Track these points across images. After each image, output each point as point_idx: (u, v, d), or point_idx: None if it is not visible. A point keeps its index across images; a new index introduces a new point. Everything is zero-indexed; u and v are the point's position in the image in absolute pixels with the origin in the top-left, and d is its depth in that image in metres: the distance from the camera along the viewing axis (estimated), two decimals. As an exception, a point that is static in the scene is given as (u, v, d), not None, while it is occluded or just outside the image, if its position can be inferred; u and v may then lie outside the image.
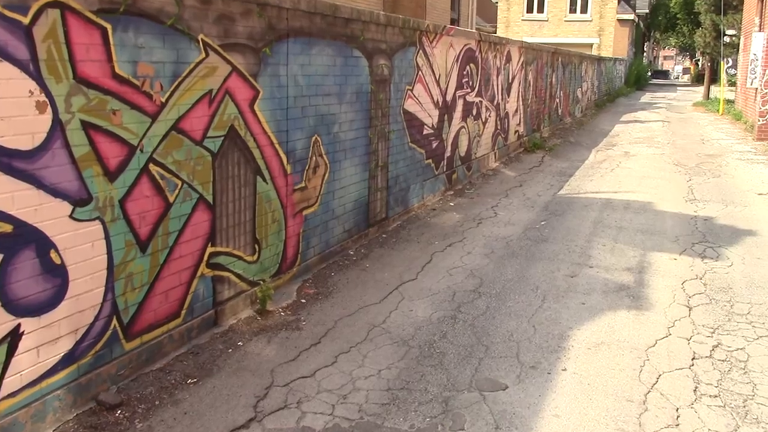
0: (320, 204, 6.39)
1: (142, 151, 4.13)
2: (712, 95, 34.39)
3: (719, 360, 4.71)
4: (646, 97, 39.27)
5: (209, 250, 4.86)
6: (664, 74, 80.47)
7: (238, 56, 4.99)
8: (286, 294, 5.73)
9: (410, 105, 8.42)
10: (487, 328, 5.17)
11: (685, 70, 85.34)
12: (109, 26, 3.82)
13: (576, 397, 4.17)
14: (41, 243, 3.52)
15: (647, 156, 14.87)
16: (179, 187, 4.48)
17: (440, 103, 9.54)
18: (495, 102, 12.64)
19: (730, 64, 32.97)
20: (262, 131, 5.35)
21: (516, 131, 14.70)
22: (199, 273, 4.77)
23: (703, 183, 11.60)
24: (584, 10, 41.08)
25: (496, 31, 39.03)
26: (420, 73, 8.64)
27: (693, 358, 4.73)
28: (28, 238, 3.44)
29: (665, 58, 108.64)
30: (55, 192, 3.57)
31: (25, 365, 3.49)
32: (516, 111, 14.48)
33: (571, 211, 9.28)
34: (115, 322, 4.06)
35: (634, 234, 8.05)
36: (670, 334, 5.13)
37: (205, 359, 4.52)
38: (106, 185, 3.90)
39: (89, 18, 3.69)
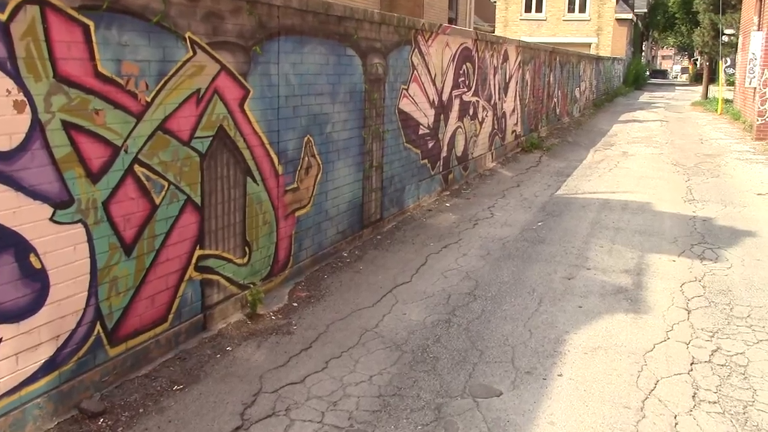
0: (313, 205, 6.28)
1: (126, 151, 4.03)
2: (710, 95, 34.28)
3: (718, 365, 4.61)
4: (644, 97, 39.19)
5: (198, 252, 4.75)
6: (663, 74, 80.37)
7: (228, 55, 4.88)
8: (277, 297, 5.62)
9: (405, 104, 8.32)
10: (482, 332, 5.07)
11: (684, 70, 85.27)
12: (91, 23, 3.72)
13: (572, 404, 4.07)
14: (20, 246, 3.41)
15: (645, 156, 14.77)
16: (166, 188, 4.38)
17: (436, 103, 9.44)
18: (492, 101, 12.54)
19: (729, 63, 32.93)
20: (252, 131, 5.24)
21: (513, 131, 14.60)
22: (187, 276, 4.66)
23: (702, 183, 11.50)
24: (582, 9, 41.00)
25: (494, 30, 38.94)
26: (415, 72, 8.53)
27: (692, 363, 4.63)
28: (6, 241, 3.33)
29: (664, 57, 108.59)
30: (35, 194, 3.46)
31: (3, 373, 3.38)
32: (513, 110, 14.38)
33: (568, 211, 9.18)
34: (98, 327, 3.95)
35: (632, 235, 7.95)
36: (668, 338, 5.03)
37: (192, 365, 4.42)
38: (89, 187, 3.79)
39: (70, 15, 3.58)
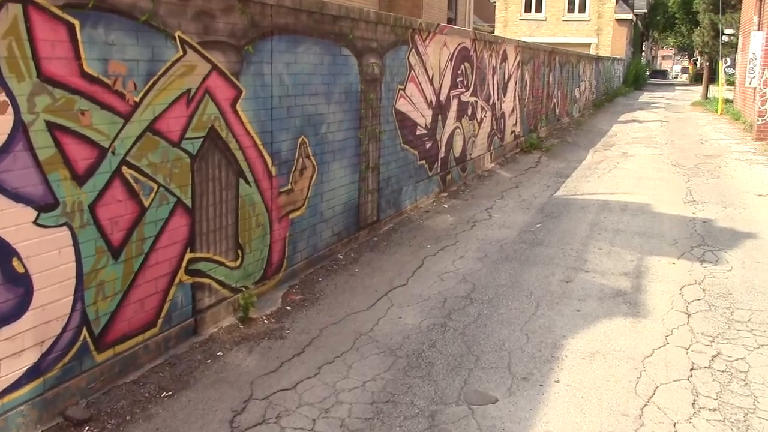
0: (308, 207, 6.19)
1: (113, 153, 3.94)
2: (710, 95, 34.20)
3: (719, 371, 4.52)
4: (644, 97, 39.10)
5: (188, 256, 4.66)
6: (663, 74, 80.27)
7: (219, 54, 4.79)
8: (270, 301, 5.53)
9: (402, 105, 8.23)
10: (478, 337, 4.98)
11: (684, 70, 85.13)
12: (77, 22, 3.63)
13: (569, 411, 3.98)
14: (2, 251, 3.32)
15: (645, 156, 14.68)
16: (155, 190, 4.29)
17: (434, 103, 9.35)
18: (491, 102, 12.45)
19: (729, 63, 32.81)
20: (244, 132, 5.15)
21: (512, 131, 14.51)
22: (177, 280, 4.57)
23: (702, 184, 11.41)
24: (582, 9, 40.89)
25: (494, 30, 38.83)
26: (413, 72, 8.44)
27: (691, 369, 4.54)
28: (-13, 246, 3.25)
29: (664, 57, 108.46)
30: (18, 197, 3.38)
31: (-15, 380, 3.30)
32: (512, 111, 14.29)
33: (567, 213, 9.09)
34: (85, 332, 3.86)
35: (631, 237, 7.86)
36: (667, 343, 4.94)
37: (182, 370, 4.33)
38: (75, 189, 3.70)
39: (55, 13, 3.50)
